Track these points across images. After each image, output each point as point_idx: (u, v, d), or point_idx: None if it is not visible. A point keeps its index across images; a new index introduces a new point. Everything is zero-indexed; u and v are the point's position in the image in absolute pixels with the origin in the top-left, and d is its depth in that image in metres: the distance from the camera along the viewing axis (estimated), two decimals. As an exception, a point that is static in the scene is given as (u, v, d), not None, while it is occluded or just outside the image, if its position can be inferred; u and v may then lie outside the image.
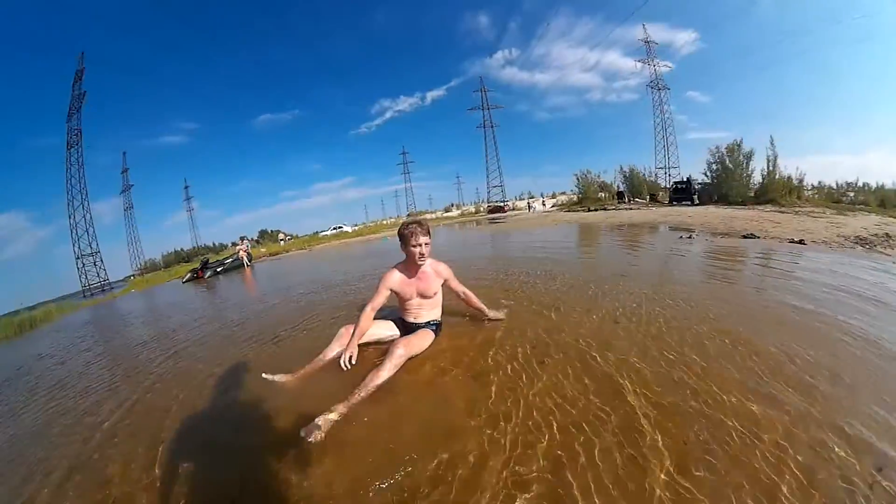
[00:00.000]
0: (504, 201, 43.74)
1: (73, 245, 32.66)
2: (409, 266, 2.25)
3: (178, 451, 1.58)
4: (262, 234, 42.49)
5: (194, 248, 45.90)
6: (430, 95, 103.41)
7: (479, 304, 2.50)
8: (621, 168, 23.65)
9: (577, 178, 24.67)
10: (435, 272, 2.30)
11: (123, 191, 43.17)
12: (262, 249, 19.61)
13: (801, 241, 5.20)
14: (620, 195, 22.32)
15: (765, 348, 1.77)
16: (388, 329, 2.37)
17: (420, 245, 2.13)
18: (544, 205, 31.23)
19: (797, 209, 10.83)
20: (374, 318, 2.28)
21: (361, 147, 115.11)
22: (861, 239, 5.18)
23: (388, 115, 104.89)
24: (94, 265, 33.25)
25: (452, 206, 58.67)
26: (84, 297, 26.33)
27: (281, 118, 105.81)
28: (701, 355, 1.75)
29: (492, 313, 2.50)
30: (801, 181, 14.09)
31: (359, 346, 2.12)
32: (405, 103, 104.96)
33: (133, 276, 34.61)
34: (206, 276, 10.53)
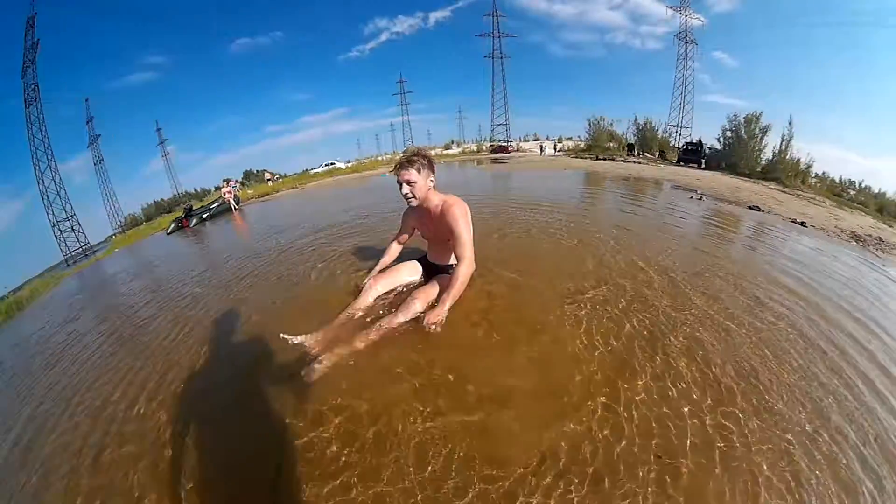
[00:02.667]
0: (508, 141, 41.91)
1: (47, 212, 30.46)
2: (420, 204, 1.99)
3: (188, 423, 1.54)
4: (247, 175, 40.03)
5: (175, 196, 43.72)
6: (434, 16, 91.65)
7: (448, 291, 1.80)
8: (635, 119, 22.61)
9: (590, 124, 23.89)
10: (447, 214, 1.88)
11: (91, 143, 39.15)
12: (250, 191, 18.95)
13: (802, 223, 5.36)
14: (630, 147, 21.51)
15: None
16: (409, 274, 2.22)
17: (400, 184, 1.88)
18: (555, 149, 30.26)
19: (799, 192, 11.16)
20: (401, 260, 2.33)
21: (354, 74, 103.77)
22: (856, 236, 5.30)
23: (383, 37, 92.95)
24: (73, 230, 31.22)
25: (453, 142, 56.03)
26: (67, 265, 25.28)
27: (260, 42, 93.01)
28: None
29: (435, 311, 1.75)
30: (809, 167, 14.41)
31: (381, 295, 2.08)
32: (404, 24, 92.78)
33: (114, 235, 32.61)
34: (191, 225, 10.14)
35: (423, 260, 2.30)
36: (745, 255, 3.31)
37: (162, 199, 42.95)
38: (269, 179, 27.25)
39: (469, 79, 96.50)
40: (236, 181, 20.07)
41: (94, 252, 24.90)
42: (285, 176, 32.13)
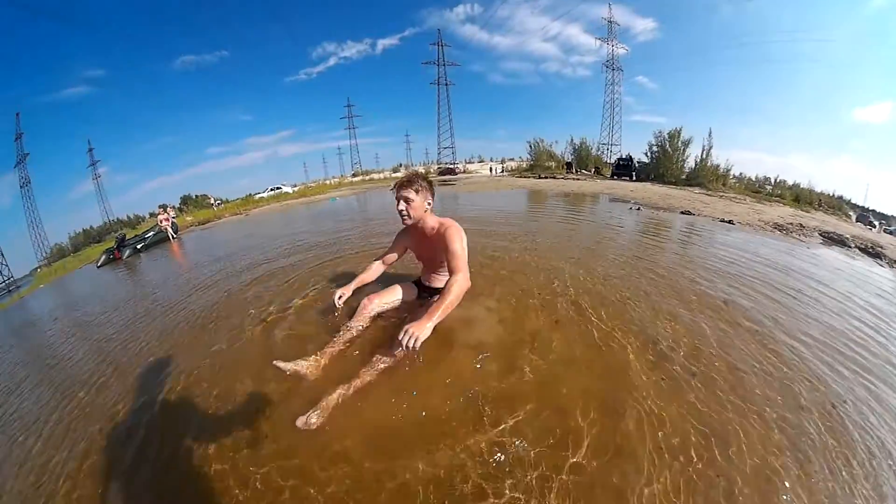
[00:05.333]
0: (455, 163, 43.29)
1: (-34, 244, 26.08)
2: (415, 224, 1.99)
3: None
4: (185, 200, 36.53)
5: (106, 223, 40.06)
6: (382, 43, 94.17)
7: (438, 303, 1.53)
8: (572, 140, 24.60)
9: (530, 146, 25.35)
10: (440, 236, 1.88)
11: (18, 162, 35.80)
12: (189, 218, 17.30)
13: (730, 221, 5.86)
14: (569, 165, 23.23)
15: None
16: (403, 295, 2.18)
17: (397, 200, 1.88)
18: (502, 170, 31.89)
19: (721, 194, 12.39)
20: (391, 283, 2.24)
21: (301, 96, 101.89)
22: (778, 225, 5.90)
23: (331, 61, 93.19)
24: (-5, 262, 27.10)
25: (401, 166, 56.70)
26: (-9, 303, 21.45)
27: (205, 60, 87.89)
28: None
29: (417, 323, 1.40)
30: (728, 171, 16.20)
31: (370, 316, 2.04)
32: (352, 49, 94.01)
33: (39, 267, 29.07)
34: (124, 257, 9.08)
35: (417, 283, 2.29)
36: (690, 248, 4.05)
37: (91, 227, 38.98)
38: (213, 204, 25.11)
39: (416, 103, 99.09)
40: (174, 207, 18.36)
41: (18, 287, 21.34)
42: (228, 201, 29.99)
